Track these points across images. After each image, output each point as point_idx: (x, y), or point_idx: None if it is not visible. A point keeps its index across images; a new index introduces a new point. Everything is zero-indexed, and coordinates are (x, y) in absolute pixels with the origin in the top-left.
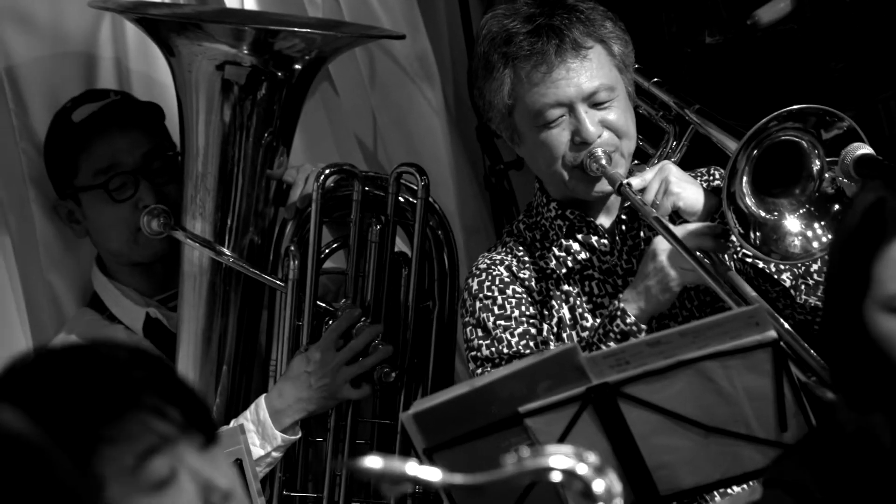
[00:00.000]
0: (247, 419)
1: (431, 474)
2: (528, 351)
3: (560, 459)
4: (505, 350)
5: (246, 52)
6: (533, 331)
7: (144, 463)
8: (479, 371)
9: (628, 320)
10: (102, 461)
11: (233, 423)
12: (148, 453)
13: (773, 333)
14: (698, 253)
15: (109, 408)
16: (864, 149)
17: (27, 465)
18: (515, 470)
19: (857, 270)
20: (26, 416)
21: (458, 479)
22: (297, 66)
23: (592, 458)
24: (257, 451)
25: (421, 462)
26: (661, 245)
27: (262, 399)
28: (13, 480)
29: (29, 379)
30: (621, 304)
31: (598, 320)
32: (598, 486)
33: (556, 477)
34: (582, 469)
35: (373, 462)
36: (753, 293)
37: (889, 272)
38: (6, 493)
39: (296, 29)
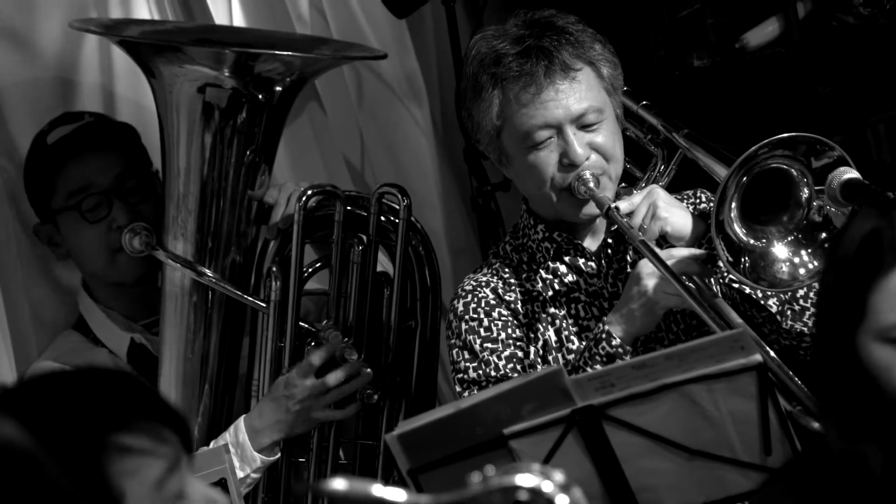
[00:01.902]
0: (226, 441)
1: (396, 495)
2: (514, 374)
3: (526, 478)
4: (492, 373)
5: (227, 74)
6: (520, 353)
7: (167, 478)
8: (466, 393)
9: (614, 342)
10: (120, 473)
11: (212, 445)
12: (170, 468)
13: (757, 357)
14: (683, 278)
15: (117, 417)
16: (851, 173)
17: (20, 473)
18: (481, 489)
19: (853, 300)
20: (27, 429)
21: (423, 499)
22: (278, 88)
23: (558, 475)
24: (237, 473)
25: (406, 484)
26: (646, 269)
27: (241, 421)
28: (5, 488)
29: (32, 393)
30: (606, 327)
31: (584, 343)
32: (563, 501)
33: (522, 496)
34: (547, 487)
35: (338, 484)
36: (739, 319)
37: (886, 303)
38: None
39: (276, 52)
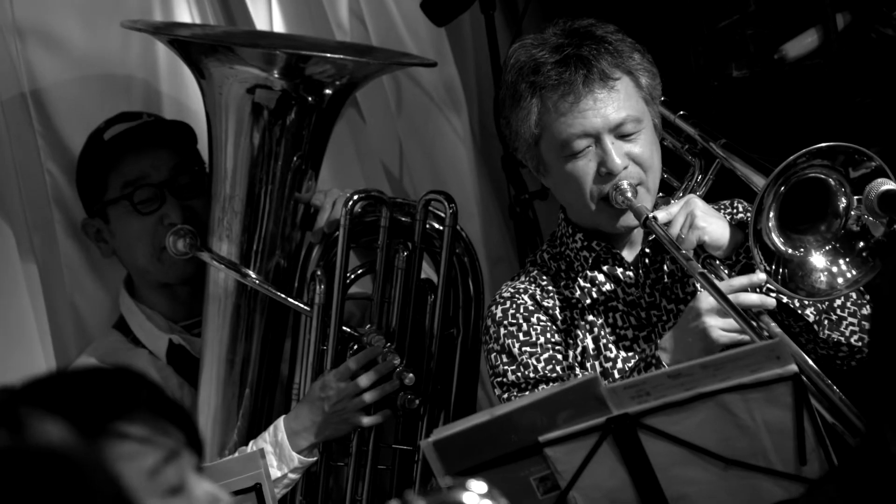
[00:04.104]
0: (265, 440)
1: None
2: (554, 375)
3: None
4: (531, 375)
5: (277, 76)
6: (559, 356)
7: (162, 468)
8: (506, 396)
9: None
10: (116, 457)
11: (251, 445)
12: (166, 459)
13: (793, 367)
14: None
15: (119, 406)
16: (889, 184)
17: (66, 482)
18: None
19: None
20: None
21: None
22: (328, 92)
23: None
24: (274, 473)
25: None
26: (705, 304)
27: (280, 421)
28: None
29: (44, 381)
30: (657, 353)
31: (632, 364)
32: None
33: None
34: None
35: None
36: (777, 329)
37: None
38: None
39: (328, 55)
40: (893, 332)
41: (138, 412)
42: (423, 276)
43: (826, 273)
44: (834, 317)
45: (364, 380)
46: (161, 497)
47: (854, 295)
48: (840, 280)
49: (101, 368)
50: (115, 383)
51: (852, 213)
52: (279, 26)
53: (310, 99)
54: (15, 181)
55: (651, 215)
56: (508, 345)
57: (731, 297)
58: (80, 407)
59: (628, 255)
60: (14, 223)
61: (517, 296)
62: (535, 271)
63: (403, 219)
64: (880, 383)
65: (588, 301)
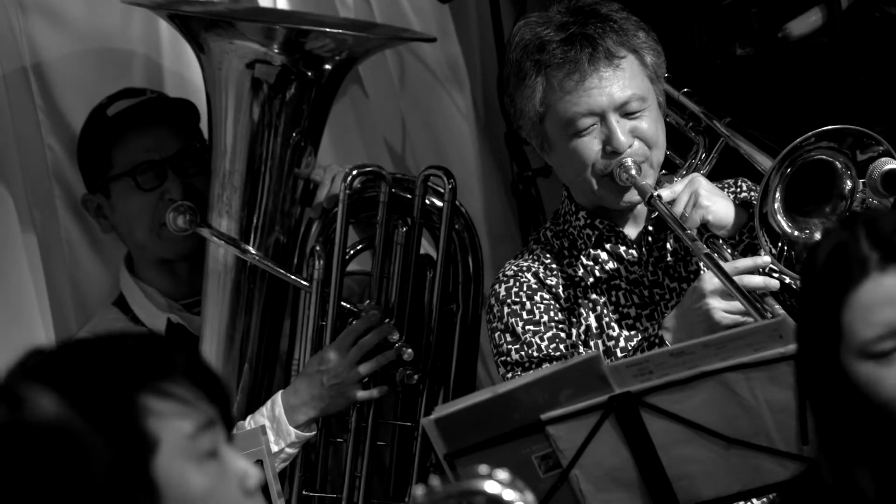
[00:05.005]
0: (263, 415)
1: None
2: (557, 353)
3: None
4: (535, 353)
5: (276, 51)
6: (562, 335)
7: (199, 434)
8: (510, 375)
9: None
10: (156, 418)
11: (249, 419)
12: (204, 426)
13: (795, 346)
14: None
15: (162, 367)
16: (892, 164)
17: (64, 456)
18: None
19: (828, 320)
20: (66, 389)
21: None
22: (328, 67)
23: (502, 475)
24: (271, 447)
25: (442, 467)
26: (709, 285)
27: (278, 395)
28: (50, 471)
29: (81, 343)
30: (661, 333)
31: (635, 343)
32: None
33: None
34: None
35: None
36: (781, 310)
37: (859, 319)
38: (43, 483)
39: (327, 29)
40: (814, 355)
41: (178, 376)
42: (422, 251)
43: None
44: None
45: (359, 350)
46: (197, 461)
47: None
48: None
49: (144, 334)
50: (155, 346)
51: (857, 195)
52: (284, 4)
53: (309, 74)
54: (16, 156)
55: (656, 193)
56: (512, 323)
57: (735, 278)
58: (120, 366)
59: (631, 232)
60: (15, 198)
61: (520, 274)
62: (539, 249)
63: (403, 194)
64: (811, 405)
65: (591, 279)
